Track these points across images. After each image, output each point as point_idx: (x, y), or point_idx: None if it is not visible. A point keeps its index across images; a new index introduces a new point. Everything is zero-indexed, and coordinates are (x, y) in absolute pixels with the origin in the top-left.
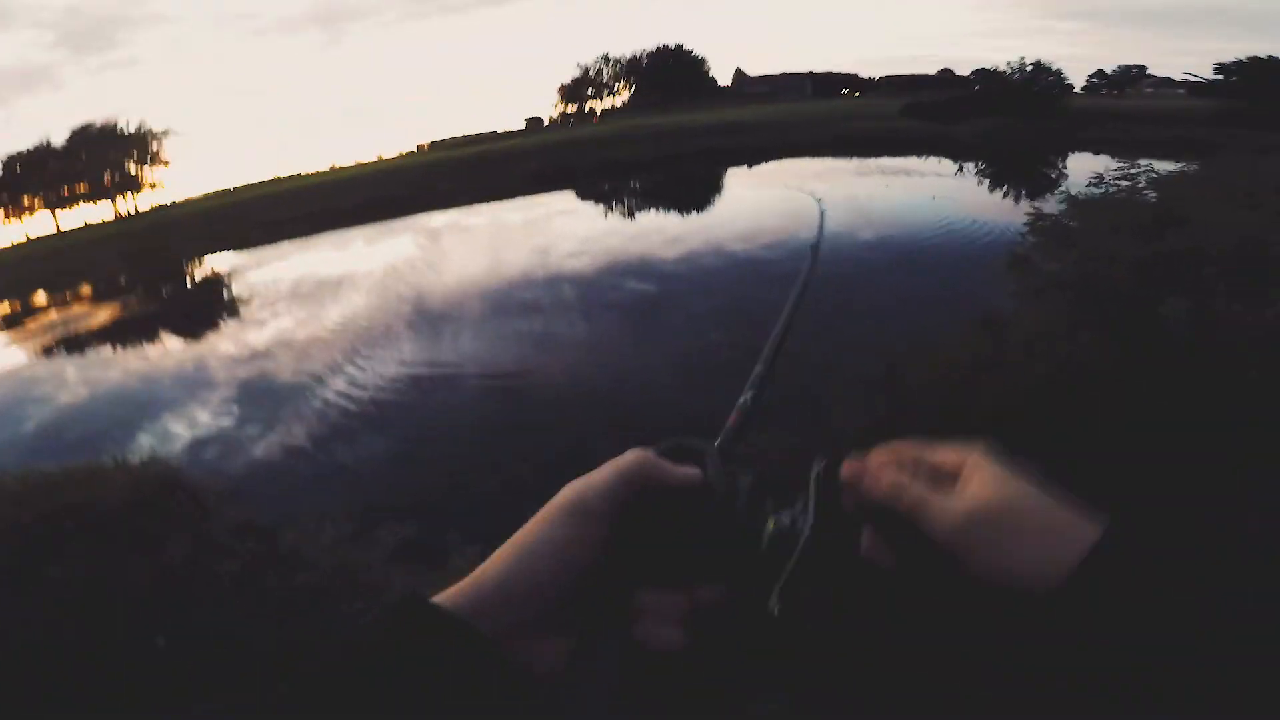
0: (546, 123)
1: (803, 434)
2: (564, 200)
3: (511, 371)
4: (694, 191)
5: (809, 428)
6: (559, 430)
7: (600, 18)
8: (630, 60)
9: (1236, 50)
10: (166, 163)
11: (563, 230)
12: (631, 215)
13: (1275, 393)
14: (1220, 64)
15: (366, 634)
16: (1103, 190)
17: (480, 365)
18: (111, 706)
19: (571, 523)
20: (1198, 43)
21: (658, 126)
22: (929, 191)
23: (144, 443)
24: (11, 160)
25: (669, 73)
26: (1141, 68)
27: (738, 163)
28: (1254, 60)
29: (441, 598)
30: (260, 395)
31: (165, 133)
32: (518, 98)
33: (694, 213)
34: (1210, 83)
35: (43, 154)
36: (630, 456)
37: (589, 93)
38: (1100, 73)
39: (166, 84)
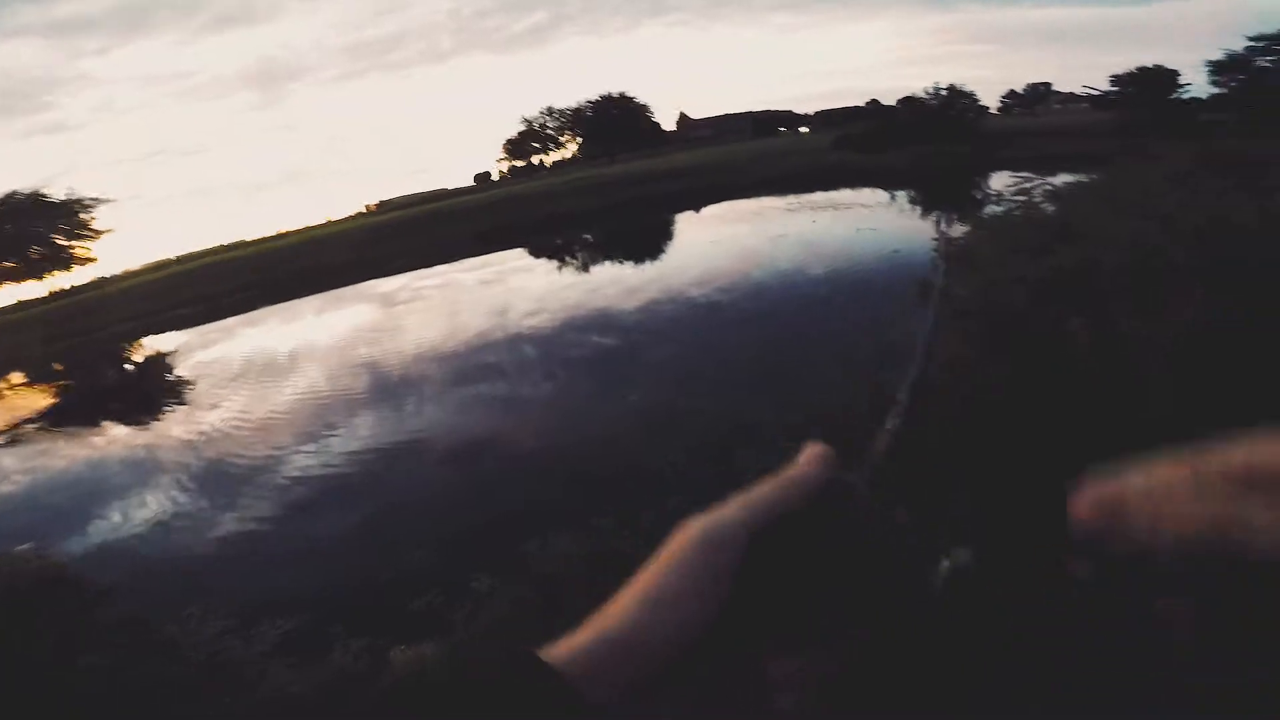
0: (495, 178)
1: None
2: (516, 258)
3: (473, 441)
4: (644, 241)
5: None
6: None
7: (544, 71)
8: (574, 111)
9: (1128, 61)
10: (99, 233)
11: (518, 289)
12: (585, 269)
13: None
14: (1115, 76)
15: (466, 678)
16: (1003, 209)
17: (437, 438)
18: None
19: (698, 565)
20: (1097, 57)
21: (605, 176)
22: (855, 224)
23: (32, 537)
24: None
25: (614, 121)
26: (1047, 85)
27: (684, 208)
28: (1143, 70)
29: (555, 651)
30: (166, 485)
31: (96, 201)
32: (466, 154)
33: (646, 262)
34: (1107, 95)
35: None
36: (764, 485)
37: (535, 146)
38: (1012, 93)
39: (97, 149)
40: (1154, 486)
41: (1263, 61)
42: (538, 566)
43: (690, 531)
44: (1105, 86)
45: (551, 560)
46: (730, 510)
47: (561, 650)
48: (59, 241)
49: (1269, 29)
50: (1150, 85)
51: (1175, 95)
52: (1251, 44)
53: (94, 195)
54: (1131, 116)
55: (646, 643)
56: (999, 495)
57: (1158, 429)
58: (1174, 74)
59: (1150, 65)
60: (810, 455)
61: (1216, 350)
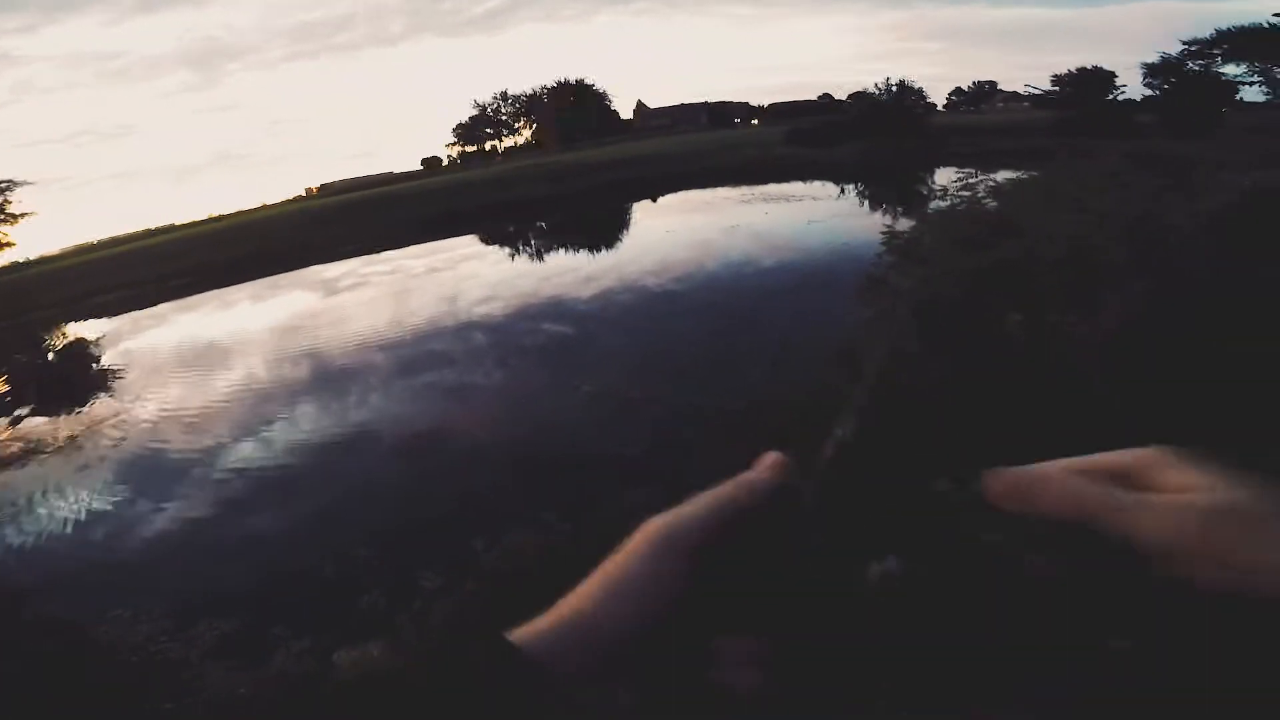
0: (445, 163)
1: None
2: (467, 245)
3: (421, 432)
4: (598, 230)
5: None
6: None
7: (500, 55)
8: (530, 97)
9: (1070, 62)
10: (18, 217)
11: (469, 276)
12: (537, 257)
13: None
14: (1055, 76)
15: (437, 662)
16: (948, 203)
17: (382, 429)
18: None
19: (657, 559)
20: (1039, 57)
21: (560, 164)
22: (806, 217)
23: None
24: None
25: (571, 108)
26: (993, 83)
27: (640, 196)
28: (1082, 71)
29: (520, 632)
30: (90, 480)
31: (13, 184)
32: (415, 138)
33: (600, 251)
34: (1048, 94)
35: None
36: (721, 488)
37: (488, 131)
38: (959, 90)
39: (17, 130)
40: (1051, 478)
41: (1193, 65)
42: (485, 561)
43: (651, 528)
44: (1047, 86)
45: (497, 555)
46: (688, 510)
47: (526, 631)
48: None
49: (1203, 34)
50: (1088, 86)
51: (1112, 96)
52: (1184, 47)
53: (10, 178)
54: (1069, 115)
55: (607, 626)
56: (927, 493)
57: (1090, 424)
58: (1110, 75)
59: (1089, 66)
60: (765, 461)
61: (1150, 345)
